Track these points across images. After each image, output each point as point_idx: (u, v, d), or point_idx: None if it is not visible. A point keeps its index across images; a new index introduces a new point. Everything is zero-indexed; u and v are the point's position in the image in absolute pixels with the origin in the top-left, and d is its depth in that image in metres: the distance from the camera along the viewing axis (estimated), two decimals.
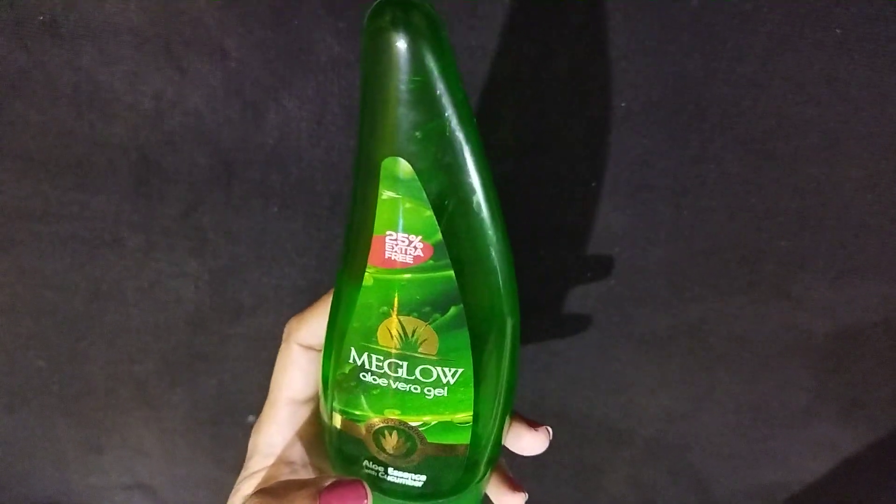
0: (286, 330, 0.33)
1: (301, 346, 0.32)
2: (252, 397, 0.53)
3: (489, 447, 0.31)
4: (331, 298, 0.30)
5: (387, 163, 0.25)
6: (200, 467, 0.57)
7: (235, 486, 0.33)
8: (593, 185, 0.42)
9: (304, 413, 0.34)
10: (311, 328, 0.32)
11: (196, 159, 0.43)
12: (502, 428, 0.31)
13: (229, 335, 0.50)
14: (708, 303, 0.45)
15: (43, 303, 0.48)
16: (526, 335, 0.30)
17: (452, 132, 0.24)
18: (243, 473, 0.33)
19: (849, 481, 0.51)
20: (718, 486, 0.54)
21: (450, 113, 0.24)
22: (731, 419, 0.50)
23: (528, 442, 0.32)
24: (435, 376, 0.28)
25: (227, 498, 0.33)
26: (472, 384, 0.28)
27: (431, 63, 0.23)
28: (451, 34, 0.24)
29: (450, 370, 0.28)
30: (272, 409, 0.33)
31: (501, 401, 0.30)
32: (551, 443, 0.33)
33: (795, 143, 0.40)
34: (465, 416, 0.29)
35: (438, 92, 0.23)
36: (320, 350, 0.32)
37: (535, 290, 0.46)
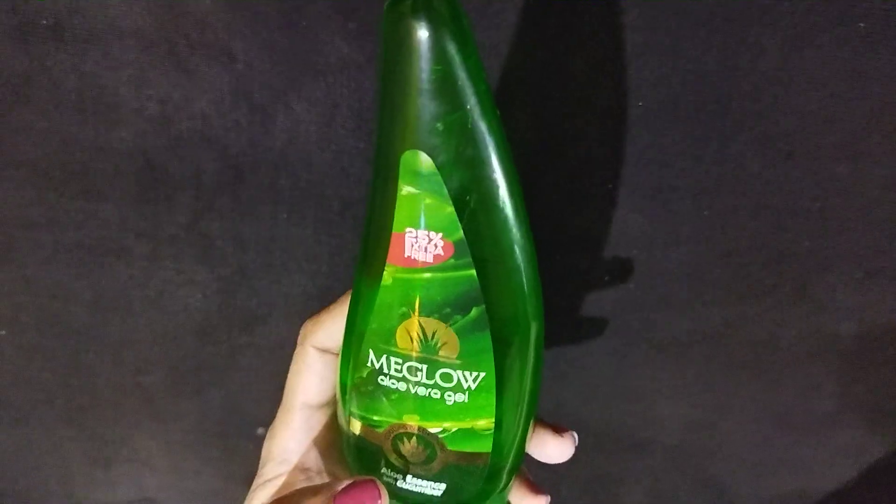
0: (301, 332, 0.32)
1: (317, 348, 0.32)
2: (262, 409, 0.52)
3: (512, 455, 0.30)
4: (348, 299, 0.29)
5: (406, 156, 0.24)
6: (209, 481, 0.57)
7: (249, 495, 0.33)
8: (610, 186, 0.42)
9: (319, 418, 0.33)
10: (327, 330, 0.31)
11: (203, 165, 0.42)
12: (525, 436, 0.30)
13: (238, 345, 0.49)
14: (729, 306, 0.45)
15: (47, 313, 0.48)
16: None
17: (475, 124, 0.24)
18: (257, 481, 0.33)
19: (875, 489, 0.51)
20: (741, 495, 0.53)
21: (472, 104, 0.23)
22: (753, 426, 0.50)
23: (552, 449, 0.31)
24: (455, 381, 0.28)
25: None
26: (494, 390, 0.28)
27: (454, 51, 0.22)
28: None
29: (471, 374, 0.27)
30: (286, 415, 0.32)
31: (525, 407, 0.29)
32: None
33: (818, 141, 0.39)
34: (487, 422, 0.28)
35: (461, 82, 0.23)
36: (336, 353, 0.31)
37: (550, 295, 0.45)
